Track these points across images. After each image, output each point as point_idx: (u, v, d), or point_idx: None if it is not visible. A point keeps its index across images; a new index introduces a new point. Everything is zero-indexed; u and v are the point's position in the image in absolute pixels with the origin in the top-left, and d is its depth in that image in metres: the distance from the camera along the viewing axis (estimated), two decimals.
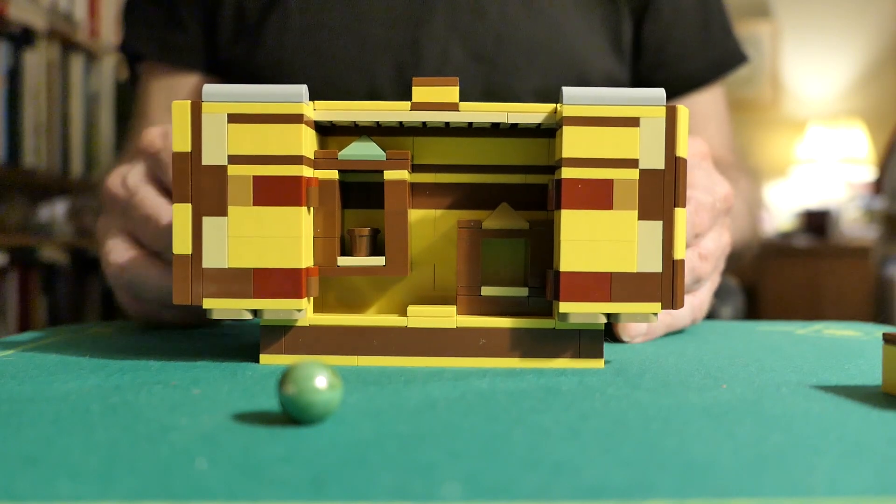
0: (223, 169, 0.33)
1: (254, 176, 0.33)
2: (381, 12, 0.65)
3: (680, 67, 0.71)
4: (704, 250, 0.43)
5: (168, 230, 0.40)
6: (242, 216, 0.33)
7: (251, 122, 0.33)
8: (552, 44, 0.66)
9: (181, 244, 0.33)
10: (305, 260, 0.34)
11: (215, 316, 0.34)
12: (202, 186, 0.33)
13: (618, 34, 0.69)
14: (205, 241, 0.33)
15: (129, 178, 0.43)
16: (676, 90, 0.71)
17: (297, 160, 0.33)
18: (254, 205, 0.33)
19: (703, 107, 0.73)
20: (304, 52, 0.65)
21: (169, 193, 0.42)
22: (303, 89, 0.33)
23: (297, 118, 0.33)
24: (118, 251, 0.43)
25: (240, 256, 0.33)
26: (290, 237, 0.33)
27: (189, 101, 0.33)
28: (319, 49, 0.65)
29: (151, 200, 0.42)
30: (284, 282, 0.33)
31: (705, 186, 0.44)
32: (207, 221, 0.33)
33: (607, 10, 0.69)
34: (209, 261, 0.33)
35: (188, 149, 0.33)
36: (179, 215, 0.33)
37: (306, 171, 0.34)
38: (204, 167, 0.33)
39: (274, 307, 0.33)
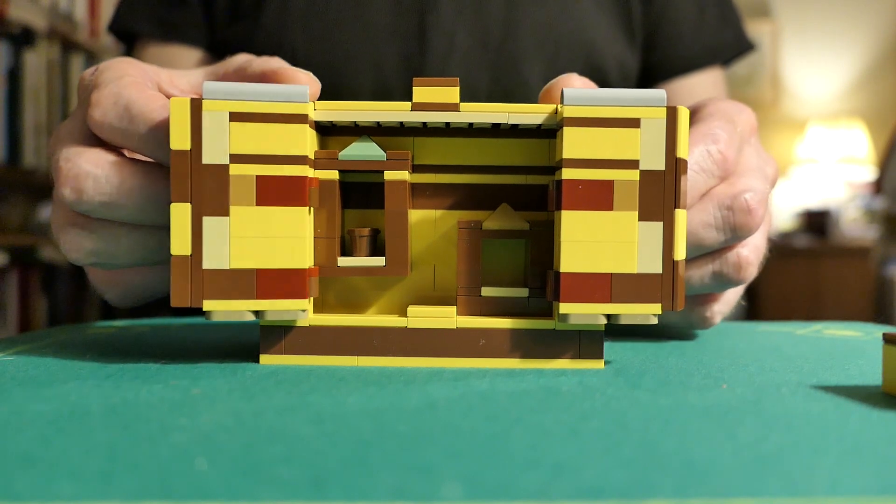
0: (224, 168, 0.33)
1: (257, 175, 0.33)
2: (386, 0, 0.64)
3: (672, 49, 0.70)
4: (757, 246, 0.40)
5: (140, 108, 0.34)
6: (245, 216, 0.33)
7: (254, 121, 0.33)
8: (560, 28, 0.65)
9: (180, 245, 0.33)
10: (308, 260, 0.34)
11: (215, 318, 0.33)
12: (203, 186, 0.33)
13: (628, 16, 0.68)
14: (205, 241, 0.33)
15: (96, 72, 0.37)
16: (669, 72, 0.70)
17: (302, 160, 0.33)
18: (257, 205, 0.33)
19: (704, 91, 0.72)
20: (306, 37, 0.64)
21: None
22: (306, 89, 0.33)
23: (301, 118, 0.33)
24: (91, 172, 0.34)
25: (242, 257, 0.33)
26: (295, 237, 0.33)
27: (188, 99, 0.33)
28: (323, 36, 0.64)
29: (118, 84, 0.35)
30: (288, 282, 0.33)
31: (759, 169, 0.40)
32: (208, 221, 0.33)
33: None
34: (210, 262, 0.33)
35: (187, 147, 0.33)
36: (178, 215, 0.33)
37: (309, 172, 0.34)
38: (204, 166, 0.33)
39: (277, 308, 0.33)
